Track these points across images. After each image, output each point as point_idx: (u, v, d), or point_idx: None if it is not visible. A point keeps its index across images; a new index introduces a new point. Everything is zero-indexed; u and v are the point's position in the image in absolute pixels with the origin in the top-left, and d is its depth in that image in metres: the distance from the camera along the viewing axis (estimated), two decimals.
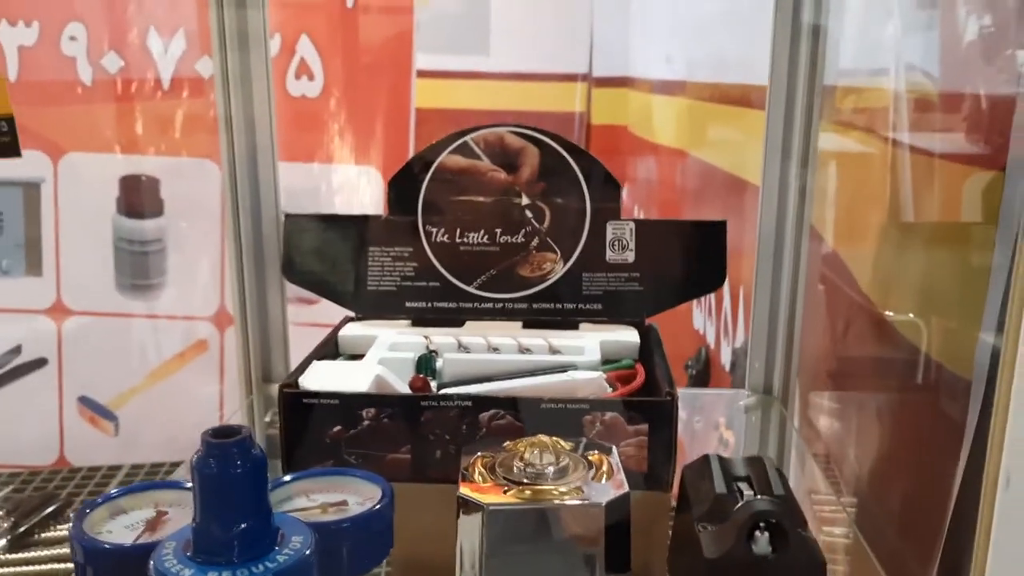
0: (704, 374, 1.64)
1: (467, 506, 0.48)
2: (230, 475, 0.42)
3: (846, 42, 0.91)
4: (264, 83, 0.83)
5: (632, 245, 0.75)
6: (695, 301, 1.67)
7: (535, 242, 0.76)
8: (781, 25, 0.81)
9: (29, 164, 1.70)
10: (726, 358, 1.51)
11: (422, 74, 1.88)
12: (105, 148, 1.74)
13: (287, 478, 0.52)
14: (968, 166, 0.67)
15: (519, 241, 0.75)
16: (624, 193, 2.24)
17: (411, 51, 1.79)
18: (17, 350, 1.77)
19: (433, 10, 1.99)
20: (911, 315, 0.75)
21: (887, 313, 0.79)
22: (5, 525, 1.10)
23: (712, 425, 0.91)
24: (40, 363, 1.79)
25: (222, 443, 0.42)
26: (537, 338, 0.71)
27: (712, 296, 1.57)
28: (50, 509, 1.14)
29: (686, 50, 1.75)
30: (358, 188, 1.79)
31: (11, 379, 1.77)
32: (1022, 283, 0.35)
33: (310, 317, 0.99)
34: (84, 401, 1.81)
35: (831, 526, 0.71)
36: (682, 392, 0.62)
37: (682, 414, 0.61)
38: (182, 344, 1.80)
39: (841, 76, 0.90)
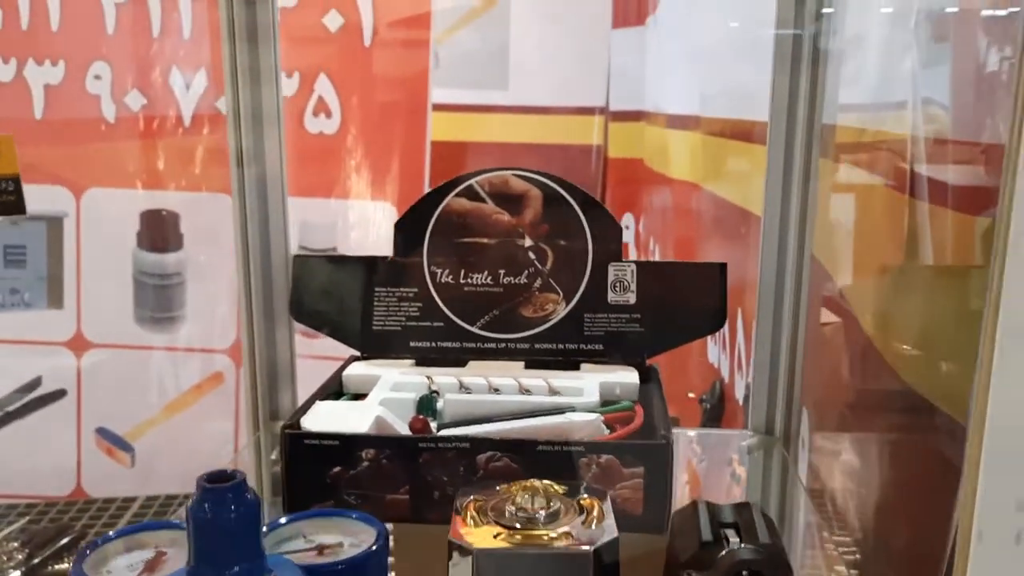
0: (719, 408, 1.64)
1: (458, 549, 0.48)
2: (224, 520, 0.43)
3: (849, 76, 0.92)
4: (275, 119, 0.84)
5: (633, 286, 0.76)
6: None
7: (538, 283, 0.77)
8: (781, 58, 0.82)
9: (52, 199, 1.74)
10: (740, 392, 1.51)
11: (441, 108, 1.90)
12: (127, 183, 1.77)
13: (283, 520, 0.53)
14: (968, 213, 0.68)
15: (522, 282, 0.77)
16: (640, 226, 2.26)
17: (427, 86, 1.82)
18: (37, 382, 1.80)
19: (453, 46, 2.03)
20: (911, 356, 0.75)
21: (888, 354, 0.79)
22: (20, 557, 1.12)
23: (723, 463, 0.91)
24: (59, 394, 1.82)
25: (216, 488, 0.43)
26: (538, 379, 0.72)
27: (726, 329, 1.57)
28: (64, 541, 1.16)
29: (699, 85, 1.77)
30: (374, 223, 1.82)
31: (31, 411, 1.80)
32: (989, 341, 0.35)
33: (322, 349, 1.00)
34: (102, 432, 1.84)
35: (830, 571, 0.70)
36: (685, 432, 0.62)
37: (696, 450, 0.62)
38: (199, 376, 1.82)
39: (843, 111, 0.91)
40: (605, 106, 2.22)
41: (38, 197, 1.74)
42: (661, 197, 2.11)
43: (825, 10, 0.82)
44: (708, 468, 0.92)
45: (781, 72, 0.82)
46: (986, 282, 0.61)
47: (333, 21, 1.73)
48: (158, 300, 1.80)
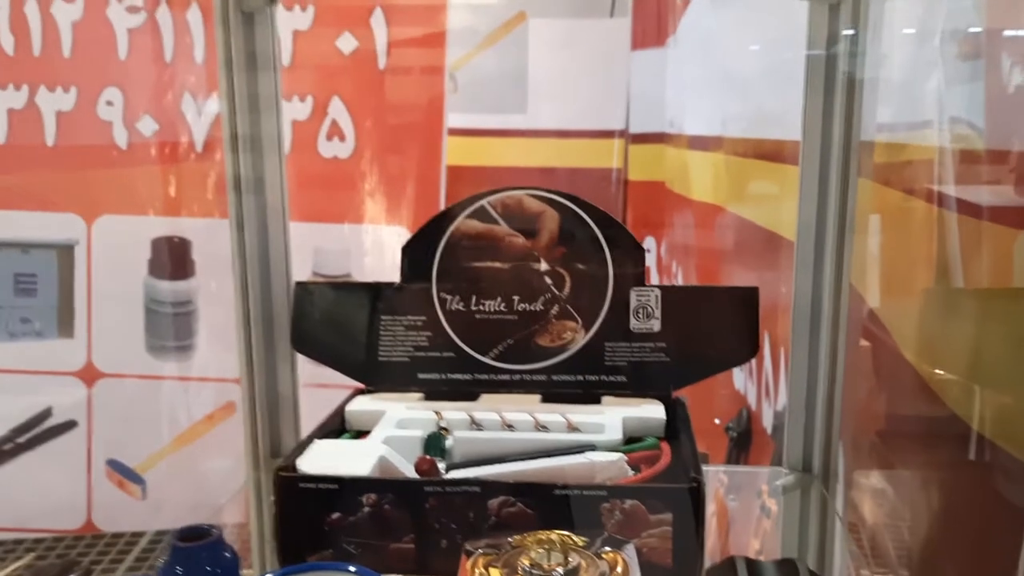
0: (746, 437, 1.58)
1: None
2: None
3: (886, 95, 0.87)
4: (275, 146, 0.81)
5: (658, 313, 0.71)
6: None
7: (555, 310, 0.72)
8: (813, 79, 0.77)
9: (63, 226, 1.72)
10: (767, 420, 1.45)
11: (459, 132, 1.87)
12: (138, 210, 1.75)
13: None
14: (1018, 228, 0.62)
15: (538, 309, 0.72)
16: (661, 249, 2.22)
17: (442, 110, 1.79)
18: (47, 413, 1.76)
19: (471, 70, 2.00)
20: (961, 388, 0.69)
21: (934, 385, 0.73)
22: None
23: (752, 504, 0.86)
24: (70, 425, 1.78)
25: (188, 547, 0.38)
26: (555, 414, 0.67)
27: None
28: None
29: (722, 105, 1.73)
30: (388, 248, 1.78)
31: (41, 442, 1.76)
32: None
33: (333, 377, 0.96)
34: (112, 464, 1.80)
35: None
36: (717, 469, 0.57)
37: (724, 480, 0.56)
38: (211, 406, 1.78)
39: (881, 130, 0.86)
40: (625, 128, 2.18)
41: (49, 225, 1.72)
42: (683, 219, 2.07)
43: (847, 31, 0.78)
44: (738, 503, 0.86)
45: (814, 91, 0.77)
46: None
47: (347, 44, 1.70)
48: (170, 328, 1.77)
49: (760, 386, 1.48)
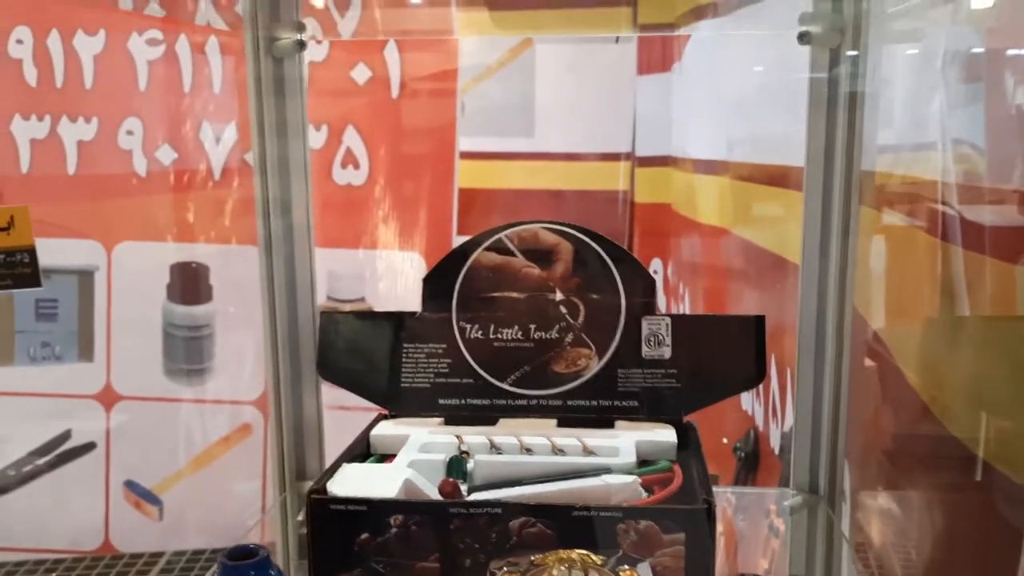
0: (753, 457, 1.60)
1: None
2: None
3: (888, 121, 0.89)
4: (302, 171, 0.84)
5: (668, 340, 0.74)
6: None
7: (569, 338, 0.75)
8: (815, 105, 0.80)
9: (84, 252, 1.76)
10: (775, 441, 1.47)
11: (467, 156, 1.90)
12: (157, 236, 1.79)
13: None
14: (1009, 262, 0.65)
15: (553, 337, 0.75)
16: (668, 271, 2.24)
17: (454, 136, 1.83)
18: (67, 435, 1.79)
19: (480, 96, 2.04)
20: (962, 413, 0.72)
21: (936, 408, 0.76)
22: None
23: (761, 524, 0.88)
24: (88, 447, 1.81)
25: (237, 566, 0.41)
26: (571, 438, 0.69)
27: None
28: None
29: (727, 130, 1.76)
30: (402, 273, 1.81)
31: (60, 464, 1.79)
32: None
33: (349, 401, 0.99)
34: (130, 485, 1.83)
35: None
36: (725, 490, 0.59)
37: (732, 500, 0.59)
38: (227, 428, 1.81)
39: (882, 155, 0.89)
40: (631, 151, 2.21)
41: (70, 251, 1.76)
42: (690, 242, 2.09)
43: (851, 52, 0.81)
44: (746, 523, 0.88)
45: (816, 118, 0.80)
46: None
47: (361, 74, 1.74)
48: (187, 352, 1.80)
49: (767, 407, 1.50)
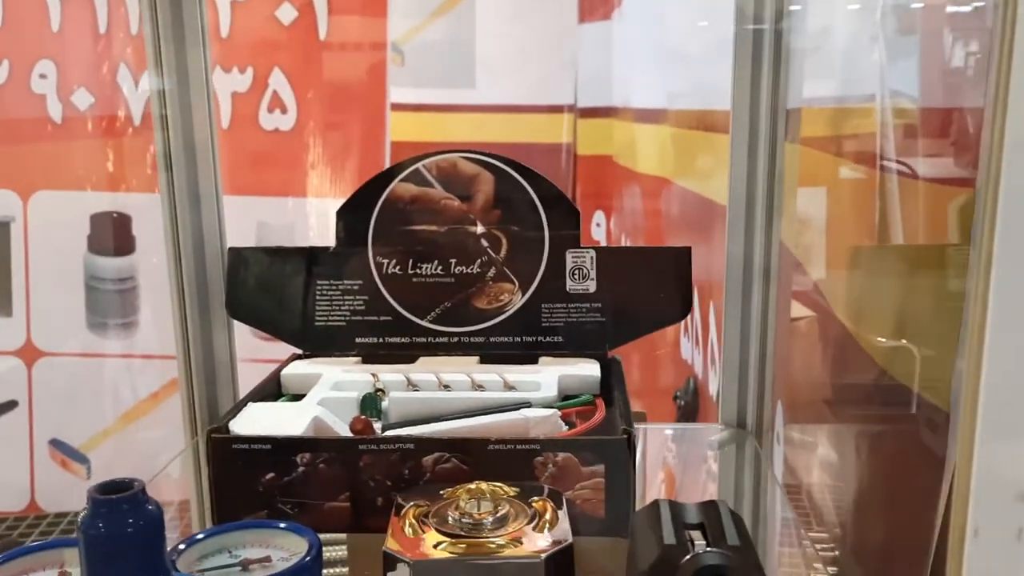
0: (693, 405, 1.60)
1: (393, 561, 0.44)
2: (119, 535, 0.38)
3: (816, 62, 0.88)
4: (205, 117, 0.80)
5: (593, 274, 0.71)
6: (682, 330, 1.63)
7: (491, 272, 0.72)
8: (741, 45, 0.78)
9: None
10: (714, 388, 1.47)
11: (406, 107, 1.85)
12: (76, 185, 1.71)
13: (200, 535, 0.48)
14: (944, 186, 0.64)
15: (475, 272, 0.72)
16: (611, 223, 2.23)
17: (385, 85, 1.77)
18: None
19: (418, 45, 1.98)
20: (888, 342, 0.71)
21: (863, 341, 0.75)
22: None
23: (699, 459, 0.87)
24: (10, 405, 1.74)
25: (109, 499, 0.37)
26: (492, 374, 0.67)
27: (698, 325, 1.53)
28: None
29: (666, 78, 1.73)
30: (333, 221, 1.76)
31: None
32: (979, 321, 0.31)
33: (276, 352, 0.95)
34: (56, 444, 1.77)
35: (808, 569, 0.66)
36: (655, 427, 0.58)
37: (672, 447, 0.57)
38: (156, 384, 1.75)
39: (810, 97, 0.87)
40: (574, 103, 2.18)
41: None
42: (631, 193, 2.08)
43: (792, 7, 0.79)
44: (683, 465, 0.88)
45: (742, 61, 0.78)
46: (966, 260, 0.57)
47: (286, 14, 1.67)
48: (111, 306, 1.73)
49: (706, 355, 1.50)
